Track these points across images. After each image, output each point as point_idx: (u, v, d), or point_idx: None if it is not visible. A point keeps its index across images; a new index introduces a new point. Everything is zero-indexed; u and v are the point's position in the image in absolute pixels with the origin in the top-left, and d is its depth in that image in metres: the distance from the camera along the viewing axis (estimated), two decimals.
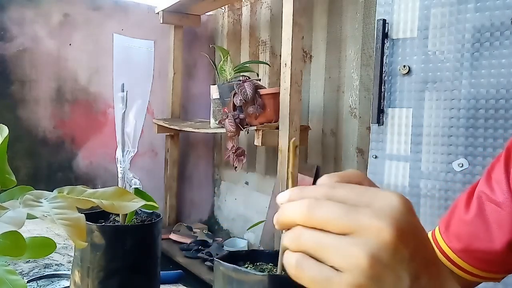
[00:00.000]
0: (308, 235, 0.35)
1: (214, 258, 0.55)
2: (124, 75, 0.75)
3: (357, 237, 0.33)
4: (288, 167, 0.39)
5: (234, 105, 2.15)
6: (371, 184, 0.42)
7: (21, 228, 0.36)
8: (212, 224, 3.35)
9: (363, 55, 2.17)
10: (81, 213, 0.65)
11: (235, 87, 2.13)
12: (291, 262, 0.36)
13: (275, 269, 0.58)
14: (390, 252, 0.33)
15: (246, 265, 0.58)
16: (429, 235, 0.70)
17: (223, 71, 2.32)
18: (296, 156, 0.42)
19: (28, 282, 0.89)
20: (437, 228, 0.70)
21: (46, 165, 2.73)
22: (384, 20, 1.55)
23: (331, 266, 0.34)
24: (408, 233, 0.34)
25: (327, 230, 0.35)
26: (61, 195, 0.44)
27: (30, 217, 0.39)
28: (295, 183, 0.43)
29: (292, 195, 0.38)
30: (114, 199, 0.46)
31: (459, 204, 0.68)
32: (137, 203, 0.46)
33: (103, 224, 0.71)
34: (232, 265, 0.51)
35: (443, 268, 0.37)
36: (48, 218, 0.38)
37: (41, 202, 0.41)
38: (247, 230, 2.89)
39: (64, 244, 1.17)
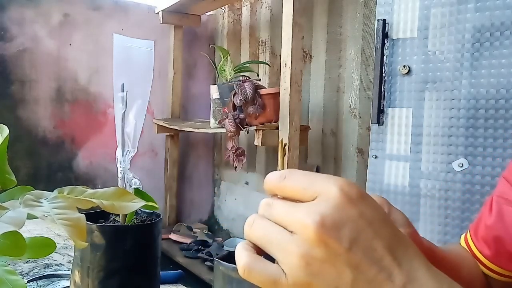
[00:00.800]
0: (259, 223, 0.37)
1: (214, 258, 0.55)
2: (124, 75, 0.75)
3: (294, 235, 0.34)
4: (282, 167, 0.39)
5: (234, 105, 2.15)
6: (390, 206, 0.41)
7: (21, 228, 0.36)
8: (212, 224, 3.35)
9: (363, 55, 2.17)
10: (81, 213, 0.65)
11: (235, 87, 2.13)
12: (246, 222, 0.38)
13: None
14: (320, 248, 0.33)
15: None
16: (462, 239, 0.71)
17: (223, 71, 2.32)
18: (285, 155, 0.42)
19: (28, 282, 0.89)
20: (468, 233, 0.71)
21: (46, 165, 2.73)
22: (384, 20, 1.55)
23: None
24: (337, 227, 0.33)
25: (277, 223, 0.36)
26: (62, 195, 0.44)
27: (30, 217, 0.39)
28: None
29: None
30: (114, 200, 0.46)
31: (483, 208, 0.68)
32: (137, 204, 0.46)
33: (103, 224, 0.71)
34: (232, 265, 0.51)
35: (412, 253, 0.35)
36: (49, 218, 0.38)
37: (41, 202, 0.41)
38: None
39: (64, 244, 1.17)
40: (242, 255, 0.37)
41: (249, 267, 0.36)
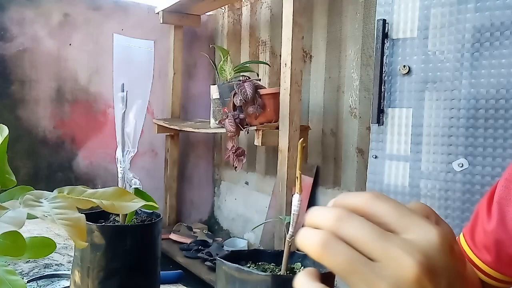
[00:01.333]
0: (338, 248, 0.32)
1: (217, 258, 0.55)
2: (124, 75, 0.75)
3: (382, 267, 0.31)
4: (297, 168, 0.38)
5: (234, 105, 2.15)
6: (438, 218, 0.40)
7: (21, 228, 0.36)
8: (212, 224, 3.35)
9: (363, 55, 2.17)
10: (81, 213, 0.65)
11: (235, 87, 2.13)
12: (315, 240, 0.33)
13: (277, 269, 0.58)
14: (411, 283, 0.30)
15: (248, 265, 0.58)
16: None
17: (223, 71, 2.32)
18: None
19: (28, 282, 0.89)
20: (461, 237, 0.69)
21: (46, 165, 2.73)
22: (384, 20, 1.55)
23: None
24: (437, 274, 0.31)
25: (354, 247, 0.32)
26: (61, 195, 0.44)
27: (30, 217, 0.39)
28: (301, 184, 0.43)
29: (335, 202, 0.35)
30: (114, 199, 0.46)
31: (480, 211, 0.67)
32: (137, 203, 0.46)
33: (103, 224, 0.71)
34: (235, 264, 0.51)
35: None
36: (49, 218, 0.38)
37: (41, 202, 0.41)
38: (252, 230, 2.89)
39: (64, 244, 1.17)
40: (317, 232, 0.33)
41: (328, 245, 0.32)
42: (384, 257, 0.31)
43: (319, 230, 0.33)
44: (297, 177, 0.49)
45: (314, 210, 0.35)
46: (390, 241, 0.31)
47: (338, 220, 0.33)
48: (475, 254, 0.66)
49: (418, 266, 0.30)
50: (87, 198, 0.44)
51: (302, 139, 0.41)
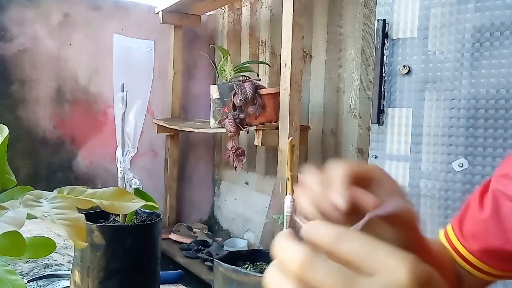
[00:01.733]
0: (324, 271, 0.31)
1: (214, 259, 0.55)
2: (124, 75, 0.75)
3: None
4: (287, 169, 0.37)
5: (234, 105, 2.15)
6: (389, 180, 0.38)
7: (21, 228, 0.36)
8: (212, 224, 3.35)
9: (363, 55, 2.17)
10: (81, 213, 0.65)
11: (235, 87, 2.13)
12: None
13: None
14: None
15: (246, 265, 0.58)
16: (441, 234, 0.69)
17: (223, 71, 2.32)
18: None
19: (28, 282, 0.89)
20: (449, 228, 0.69)
21: (46, 165, 2.73)
22: (384, 20, 1.55)
23: None
24: None
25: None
26: (61, 195, 0.44)
27: (30, 217, 0.39)
28: (295, 184, 0.43)
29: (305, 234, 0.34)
30: (114, 199, 0.46)
31: (471, 203, 0.67)
32: (137, 203, 0.46)
33: (103, 224, 0.71)
34: (232, 266, 0.51)
35: None
36: (48, 218, 0.38)
37: (41, 202, 0.41)
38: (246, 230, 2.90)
39: (64, 244, 1.17)
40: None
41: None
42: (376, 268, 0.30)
43: (285, 280, 0.32)
44: (288, 178, 0.48)
45: (281, 241, 0.34)
46: (356, 285, 0.30)
47: (304, 264, 0.32)
48: (461, 244, 0.65)
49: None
50: (87, 198, 0.44)
51: (291, 138, 0.40)
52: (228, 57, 2.33)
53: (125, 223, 0.72)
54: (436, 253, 0.62)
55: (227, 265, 0.51)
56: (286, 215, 0.53)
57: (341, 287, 0.30)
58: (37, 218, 0.39)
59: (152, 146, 3.10)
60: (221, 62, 2.34)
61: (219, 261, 0.52)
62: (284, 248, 0.33)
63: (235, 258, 0.58)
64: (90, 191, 0.46)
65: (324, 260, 0.32)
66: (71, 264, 0.73)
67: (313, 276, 0.31)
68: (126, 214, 0.71)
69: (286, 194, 0.52)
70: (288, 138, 1.96)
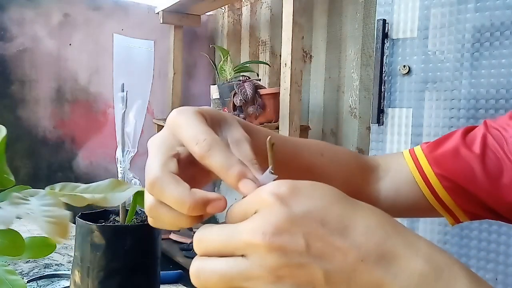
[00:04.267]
0: (206, 271, 0.33)
1: None
2: (124, 75, 0.75)
3: (249, 258, 0.32)
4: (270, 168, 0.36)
5: (234, 105, 2.15)
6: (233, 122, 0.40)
7: (13, 226, 0.36)
8: None
9: (363, 55, 2.17)
10: (81, 213, 0.65)
11: (235, 87, 2.13)
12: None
13: None
14: (280, 257, 0.31)
15: None
16: (407, 153, 0.65)
17: (223, 71, 2.32)
18: (274, 155, 0.37)
19: (28, 282, 0.89)
20: (417, 148, 0.65)
21: (46, 165, 2.73)
22: (384, 20, 1.55)
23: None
24: (283, 231, 0.31)
25: (222, 254, 0.33)
26: (51, 192, 0.44)
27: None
28: None
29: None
30: (107, 192, 0.45)
31: (454, 135, 0.65)
32: (130, 191, 0.46)
33: (103, 224, 0.71)
34: None
35: (369, 222, 0.32)
36: (32, 215, 0.38)
37: (28, 200, 0.41)
38: None
39: (64, 244, 1.17)
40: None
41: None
42: (245, 250, 0.32)
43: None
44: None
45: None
46: (239, 234, 0.32)
47: (198, 244, 0.34)
48: (429, 164, 0.62)
49: (263, 242, 0.31)
50: (79, 194, 0.44)
51: (269, 137, 0.38)
52: (228, 57, 2.33)
53: (125, 223, 0.72)
54: (303, 142, 0.59)
55: None
56: None
57: (226, 280, 0.32)
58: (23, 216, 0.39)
59: None
60: (221, 62, 2.34)
61: None
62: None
63: None
64: (83, 186, 0.46)
65: (206, 264, 0.33)
66: (71, 264, 0.73)
67: (206, 282, 0.33)
68: (126, 214, 0.71)
69: None
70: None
